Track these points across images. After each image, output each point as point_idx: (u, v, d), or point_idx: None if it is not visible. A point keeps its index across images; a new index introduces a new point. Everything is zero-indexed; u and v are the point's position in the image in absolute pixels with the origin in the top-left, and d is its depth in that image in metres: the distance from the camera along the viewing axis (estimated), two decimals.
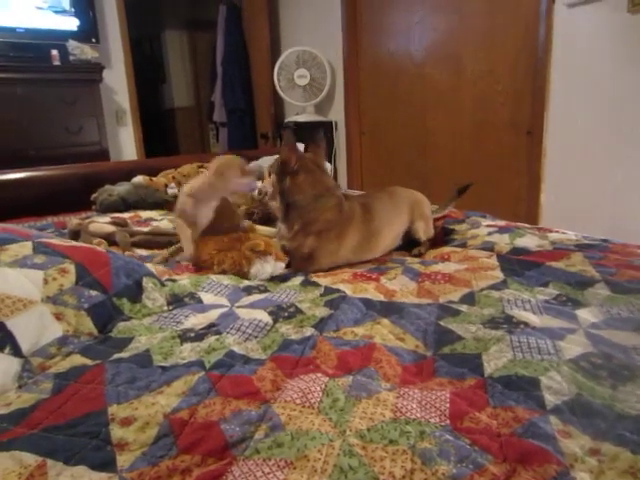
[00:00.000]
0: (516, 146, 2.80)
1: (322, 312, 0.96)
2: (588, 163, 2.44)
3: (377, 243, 1.41)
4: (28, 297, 0.88)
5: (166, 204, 2.13)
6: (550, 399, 0.66)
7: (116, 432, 0.62)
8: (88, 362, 0.81)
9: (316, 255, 1.31)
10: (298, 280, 1.20)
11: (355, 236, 1.36)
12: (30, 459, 0.58)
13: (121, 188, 2.11)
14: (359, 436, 0.59)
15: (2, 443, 0.60)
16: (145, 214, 1.99)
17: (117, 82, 4.18)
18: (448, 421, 0.62)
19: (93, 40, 3.78)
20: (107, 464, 0.57)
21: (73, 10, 3.66)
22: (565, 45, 2.44)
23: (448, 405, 0.65)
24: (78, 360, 0.82)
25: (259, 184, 2.25)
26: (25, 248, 0.99)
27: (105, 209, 2.04)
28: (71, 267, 0.99)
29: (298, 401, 0.65)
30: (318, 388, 0.68)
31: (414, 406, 0.65)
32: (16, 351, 0.79)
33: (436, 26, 3.12)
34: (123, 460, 0.57)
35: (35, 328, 0.85)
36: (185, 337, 0.88)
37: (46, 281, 0.93)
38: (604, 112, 2.33)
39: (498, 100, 2.85)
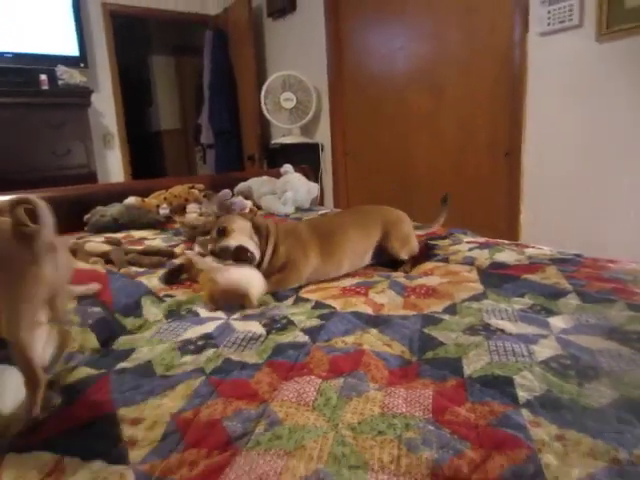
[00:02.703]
0: (495, 167, 2.92)
1: (314, 323, 1.02)
2: (564, 182, 2.55)
3: (338, 259, 1.44)
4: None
5: (158, 224, 2.18)
6: (523, 395, 0.73)
7: (126, 431, 0.67)
8: (93, 372, 0.86)
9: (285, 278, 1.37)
10: (290, 299, 1.25)
11: (311, 256, 1.40)
12: (49, 457, 0.63)
13: (113, 209, 2.16)
14: (350, 428, 0.65)
15: (21, 446, 0.65)
16: (138, 234, 2.04)
17: (105, 106, 4.25)
18: (431, 415, 0.68)
19: (82, 65, 3.85)
20: (121, 459, 0.62)
21: (62, 35, 3.75)
22: (539, 71, 2.58)
23: (431, 401, 0.72)
24: (84, 372, 0.86)
25: (248, 203, 2.32)
26: None
27: (97, 230, 2.09)
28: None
29: (294, 400, 0.72)
30: (312, 389, 0.75)
31: (400, 402, 0.71)
32: None
33: (418, 52, 3.26)
34: (135, 455, 0.62)
35: (42, 347, 0.89)
36: (184, 349, 0.93)
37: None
38: (577, 134, 2.45)
39: (477, 123, 2.97)
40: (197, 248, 1.62)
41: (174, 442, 0.64)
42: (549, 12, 2.42)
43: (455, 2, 2.96)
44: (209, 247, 1.37)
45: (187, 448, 0.63)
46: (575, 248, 1.62)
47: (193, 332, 1.00)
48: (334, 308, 1.13)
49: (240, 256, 1.27)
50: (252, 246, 1.32)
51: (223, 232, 1.32)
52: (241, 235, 1.33)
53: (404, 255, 1.56)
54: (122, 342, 0.98)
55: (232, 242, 1.29)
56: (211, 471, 0.59)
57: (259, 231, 1.39)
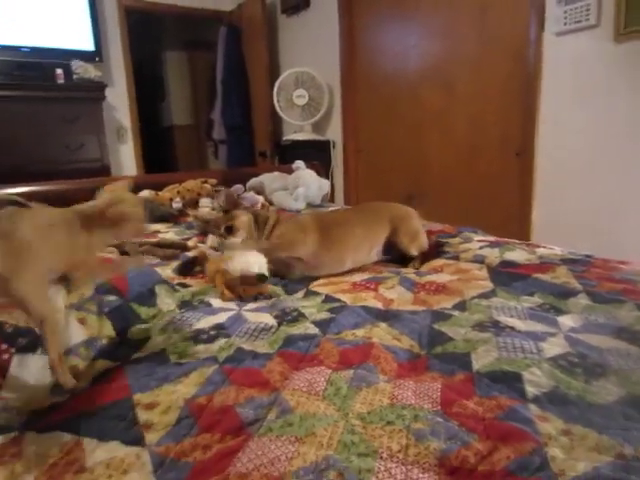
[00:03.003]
0: (507, 165, 2.91)
1: (324, 316, 1.04)
2: (576, 182, 2.54)
3: (340, 253, 1.47)
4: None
5: (171, 218, 2.21)
6: (531, 390, 0.74)
7: (142, 415, 0.69)
8: (110, 364, 0.88)
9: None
10: (301, 292, 1.27)
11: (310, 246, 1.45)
12: (68, 438, 0.65)
13: None
14: (360, 418, 0.67)
15: (43, 427, 0.68)
16: (151, 227, 2.06)
17: (118, 100, 4.28)
18: (439, 407, 0.70)
19: (97, 59, 3.88)
20: (137, 440, 0.64)
21: (78, 30, 3.78)
22: (554, 71, 2.56)
23: (439, 394, 0.73)
24: (102, 364, 0.88)
25: (260, 198, 2.34)
26: None
27: None
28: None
29: (305, 389, 0.73)
30: (322, 379, 0.76)
31: (409, 394, 0.72)
32: None
33: (431, 50, 3.26)
34: (151, 437, 0.64)
35: (62, 331, 0.91)
36: (198, 339, 0.95)
37: (69, 290, 1.00)
38: (591, 134, 2.44)
39: (489, 122, 2.96)
40: (210, 241, 1.64)
41: (188, 426, 0.66)
42: (565, 12, 2.41)
43: (470, 0, 2.96)
44: (217, 241, 1.52)
45: (201, 432, 0.65)
46: (587, 249, 1.61)
47: (206, 322, 1.01)
48: (344, 302, 1.15)
49: None
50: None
51: (230, 229, 1.47)
52: (244, 232, 1.49)
53: (414, 250, 1.57)
54: (137, 331, 1.00)
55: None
56: (224, 455, 0.61)
57: (258, 220, 1.54)
